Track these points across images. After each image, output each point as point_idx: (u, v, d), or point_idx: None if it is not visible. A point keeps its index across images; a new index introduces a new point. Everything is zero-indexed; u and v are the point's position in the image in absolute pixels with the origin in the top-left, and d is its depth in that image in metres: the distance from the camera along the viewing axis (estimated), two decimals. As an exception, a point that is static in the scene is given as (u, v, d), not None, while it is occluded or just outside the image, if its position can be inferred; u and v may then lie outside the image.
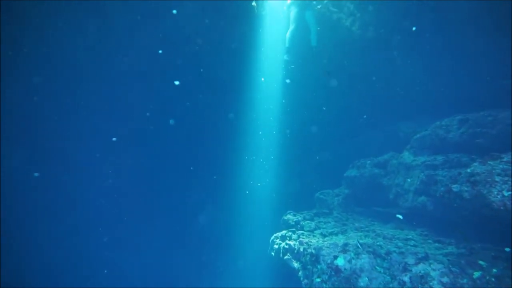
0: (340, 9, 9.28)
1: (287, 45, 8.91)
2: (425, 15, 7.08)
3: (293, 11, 8.86)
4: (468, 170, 4.37)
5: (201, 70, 8.24)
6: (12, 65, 6.68)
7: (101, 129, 8.19)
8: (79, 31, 6.92)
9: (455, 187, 4.40)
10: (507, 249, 3.83)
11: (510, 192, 3.71)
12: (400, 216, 6.56)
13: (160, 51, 7.59)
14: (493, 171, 4.06)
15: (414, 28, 7.17)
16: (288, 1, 9.05)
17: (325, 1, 9.56)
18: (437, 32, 7.25)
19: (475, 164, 4.42)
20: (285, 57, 9.02)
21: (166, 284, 8.57)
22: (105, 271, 8.36)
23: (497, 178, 3.95)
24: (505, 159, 4.15)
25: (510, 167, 3.89)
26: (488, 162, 4.27)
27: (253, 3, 7.88)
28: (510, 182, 3.80)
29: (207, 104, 8.95)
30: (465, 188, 4.22)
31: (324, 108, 9.93)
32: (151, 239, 9.06)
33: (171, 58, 7.87)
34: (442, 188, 4.78)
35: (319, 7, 9.13)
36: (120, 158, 8.63)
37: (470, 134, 6.00)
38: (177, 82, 7.94)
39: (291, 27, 8.83)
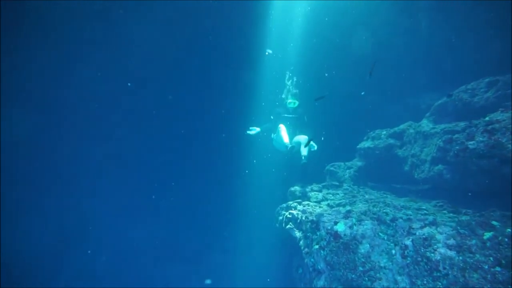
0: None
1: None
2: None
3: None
4: (486, 118, 3.78)
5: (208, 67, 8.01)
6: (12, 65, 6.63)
7: (103, 124, 8.20)
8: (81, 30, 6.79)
9: (471, 144, 3.83)
10: None
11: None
12: None
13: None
14: (516, 116, 3.46)
15: None
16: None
17: None
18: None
19: (496, 113, 3.84)
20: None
21: (172, 256, 8.57)
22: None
23: (520, 124, 3.37)
24: (533, 105, 3.55)
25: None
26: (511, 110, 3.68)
27: None
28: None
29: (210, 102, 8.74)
30: (481, 139, 3.65)
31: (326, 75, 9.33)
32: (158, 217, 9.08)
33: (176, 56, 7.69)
34: (457, 147, 4.21)
35: None
36: (122, 153, 8.63)
37: (498, 96, 5.30)
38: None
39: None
